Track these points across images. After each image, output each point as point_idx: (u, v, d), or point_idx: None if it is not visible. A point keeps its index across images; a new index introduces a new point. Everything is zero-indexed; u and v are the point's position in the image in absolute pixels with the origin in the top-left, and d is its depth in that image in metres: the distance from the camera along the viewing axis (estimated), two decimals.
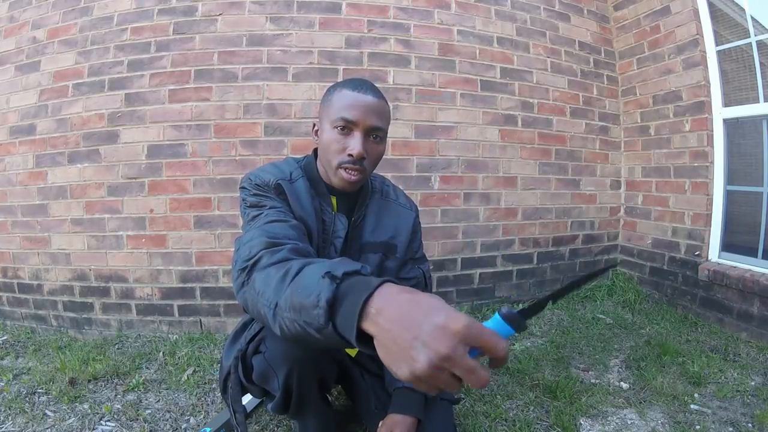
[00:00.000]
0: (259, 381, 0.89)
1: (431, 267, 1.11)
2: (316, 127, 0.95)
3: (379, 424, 0.95)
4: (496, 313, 0.45)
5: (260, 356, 0.88)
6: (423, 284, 1.06)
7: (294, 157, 1.01)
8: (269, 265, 0.64)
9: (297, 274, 0.57)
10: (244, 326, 1.01)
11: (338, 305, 0.48)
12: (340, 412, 1.26)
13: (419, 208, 1.14)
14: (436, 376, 0.39)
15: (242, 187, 0.90)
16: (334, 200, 0.95)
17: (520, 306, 0.44)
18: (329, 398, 1.17)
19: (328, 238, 0.93)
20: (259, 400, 1.33)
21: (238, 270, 0.69)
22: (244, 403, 1.25)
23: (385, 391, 1.03)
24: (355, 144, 0.84)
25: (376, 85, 0.94)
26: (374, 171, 1.03)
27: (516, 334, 0.45)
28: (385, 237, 0.99)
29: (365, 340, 0.45)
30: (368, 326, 0.44)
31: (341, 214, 0.94)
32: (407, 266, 1.05)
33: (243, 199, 0.89)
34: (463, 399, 1.33)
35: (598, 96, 2.45)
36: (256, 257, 0.67)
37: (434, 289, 2.02)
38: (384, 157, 1.05)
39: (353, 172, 0.86)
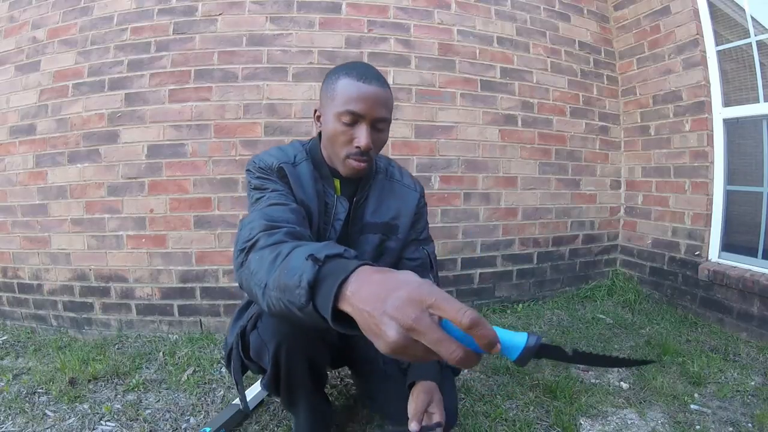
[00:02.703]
0: (255, 356, 0.91)
1: (436, 248, 1.12)
2: (318, 113, 0.95)
3: (412, 394, 0.91)
4: (525, 333, 0.45)
5: (255, 332, 0.90)
6: (428, 265, 1.05)
7: (299, 140, 1.02)
8: (264, 247, 0.66)
9: (287, 256, 0.59)
10: (248, 304, 1.01)
11: (318, 286, 0.50)
12: (339, 413, 1.27)
13: None
14: (409, 348, 0.41)
15: (247, 170, 0.92)
16: (337, 183, 0.96)
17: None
18: (327, 395, 1.17)
19: (329, 220, 0.95)
20: (260, 400, 1.33)
21: (237, 250, 0.72)
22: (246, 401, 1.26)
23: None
24: (362, 137, 0.85)
25: None
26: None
27: (512, 360, 0.45)
28: (386, 218, 1.00)
29: (344, 320, 0.47)
30: (345, 307, 0.46)
31: (343, 197, 0.95)
32: (411, 247, 1.05)
33: (248, 182, 0.91)
34: (461, 370, 1.31)
35: (598, 96, 2.45)
36: (255, 239, 0.69)
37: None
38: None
39: (361, 162, 0.88)
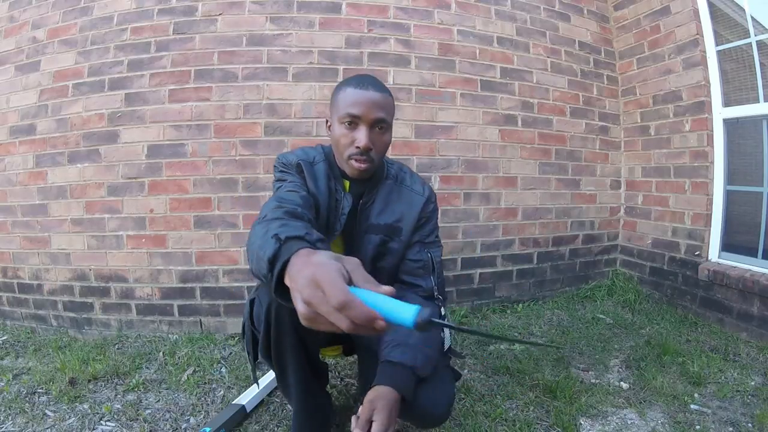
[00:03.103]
0: (257, 323, 0.95)
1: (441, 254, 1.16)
2: (328, 123, 1.06)
3: (363, 400, 0.90)
4: (417, 307, 0.48)
5: (258, 298, 0.95)
6: (430, 268, 1.09)
7: (322, 144, 1.12)
8: (265, 221, 0.75)
9: (272, 232, 0.67)
10: None
11: (275, 262, 0.58)
12: (339, 413, 1.27)
13: None
14: (315, 319, 0.48)
15: (274, 166, 1.07)
16: (347, 184, 1.06)
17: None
18: (328, 393, 1.18)
19: (338, 215, 1.03)
20: (260, 400, 1.33)
21: (252, 226, 0.81)
22: (243, 402, 1.26)
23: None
24: (361, 137, 0.94)
25: None
26: (395, 159, 1.18)
27: (411, 328, 0.48)
28: (390, 220, 1.07)
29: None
30: (287, 282, 0.55)
31: (349, 194, 1.04)
32: (414, 248, 1.09)
33: (274, 175, 1.06)
34: (462, 377, 1.31)
35: (598, 96, 2.45)
36: (264, 215, 0.80)
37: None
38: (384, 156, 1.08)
39: (362, 163, 0.96)
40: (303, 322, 0.49)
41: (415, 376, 0.91)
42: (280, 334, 0.91)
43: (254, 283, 1.91)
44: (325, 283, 0.46)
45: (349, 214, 1.03)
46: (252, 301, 0.98)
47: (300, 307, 0.48)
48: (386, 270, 1.07)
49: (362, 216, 1.06)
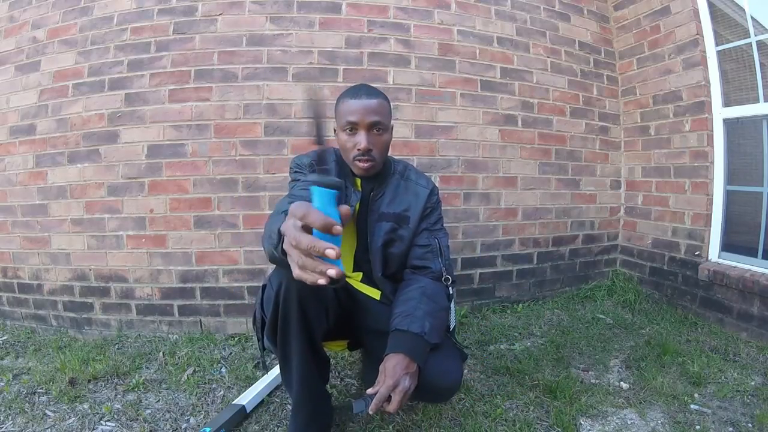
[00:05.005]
0: (266, 306, 0.99)
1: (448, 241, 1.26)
2: (336, 132, 1.16)
3: (380, 368, 0.95)
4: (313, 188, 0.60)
5: (268, 283, 1.00)
6: (438, 252, 1.19)
7: (335, 147, 1.21)
8: (276, 213, 0.87)
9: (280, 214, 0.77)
10: None
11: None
12: (336, 413, 1.27)
13: None
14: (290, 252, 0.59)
15: (290, 167, 1.19)
16: (358, 181, 1.17)
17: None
18: (329, 393, 1.18)
19: None
20: (260, 400, 1.33)
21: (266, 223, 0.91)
22: (243, 403, 1.26)
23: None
24: (360, 140, 1.06)
25: (376, 85, 1.01)
26: (400, 159, 1.30)
27: (338, 193, 0.59)
28: (398, 209, 1.18)
29: None
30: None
31: (357, 190, 1.16)
32: (423, 235, 1.20)
33: (290, 175, 1.19)
34: (468, 357, 1.35)
35: (598, 96, 2.45)
36: (276, 210, 0.89)
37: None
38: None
39: (365, 162, 1.08)
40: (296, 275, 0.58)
41: (424, 342, 0.98)
42: (286, 315, 0.94)
43: (255, 283, 1.91)
44: (288, 237, 0.58)
45: (361, 207, 1.16)
46: (264, 287, 1.02)
47: (286, 245, 0.60)
48: (396, 255, 1.18)
49: (373, 207, 1.17)
